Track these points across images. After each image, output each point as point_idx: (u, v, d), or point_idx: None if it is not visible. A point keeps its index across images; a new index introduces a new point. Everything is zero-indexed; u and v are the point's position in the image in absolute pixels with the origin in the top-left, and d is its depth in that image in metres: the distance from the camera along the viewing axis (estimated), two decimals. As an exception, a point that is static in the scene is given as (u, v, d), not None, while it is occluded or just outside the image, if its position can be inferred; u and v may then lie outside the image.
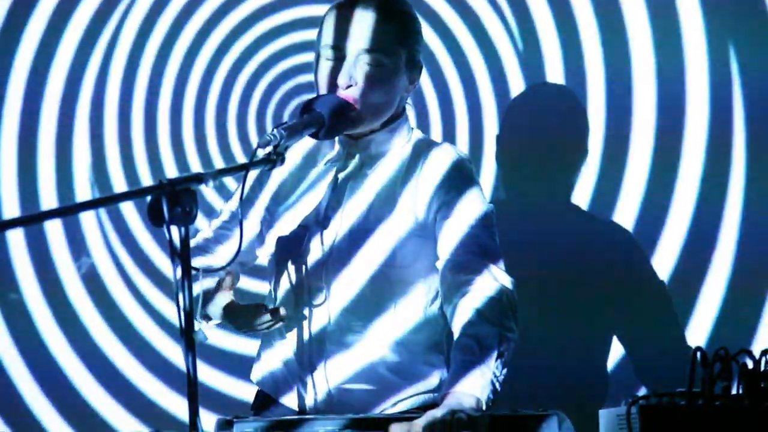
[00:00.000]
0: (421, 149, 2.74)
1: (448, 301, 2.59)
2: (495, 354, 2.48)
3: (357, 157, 2.75)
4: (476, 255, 2.60)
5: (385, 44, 2.66)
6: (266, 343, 2.80)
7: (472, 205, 2.65)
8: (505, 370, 2.50)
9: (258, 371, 2.81)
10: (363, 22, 2.67)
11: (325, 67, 2.68)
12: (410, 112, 2.83)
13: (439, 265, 2.63)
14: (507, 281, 2.58)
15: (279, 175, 2.82)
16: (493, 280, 2.57)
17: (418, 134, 2.80)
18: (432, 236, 2.66)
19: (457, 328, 2.54)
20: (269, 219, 2.80)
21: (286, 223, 2.77)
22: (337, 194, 2.74)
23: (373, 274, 2.66)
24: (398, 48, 2.68)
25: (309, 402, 2.70)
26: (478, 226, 2.63)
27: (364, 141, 2.74)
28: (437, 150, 2.73)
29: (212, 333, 2.80)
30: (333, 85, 2.66)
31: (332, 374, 2.68)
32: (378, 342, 2.67)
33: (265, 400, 2.80)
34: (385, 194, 2.71)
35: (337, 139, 2.77)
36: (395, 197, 2.70)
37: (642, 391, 3.34)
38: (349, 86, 2.65)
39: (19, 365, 3.84)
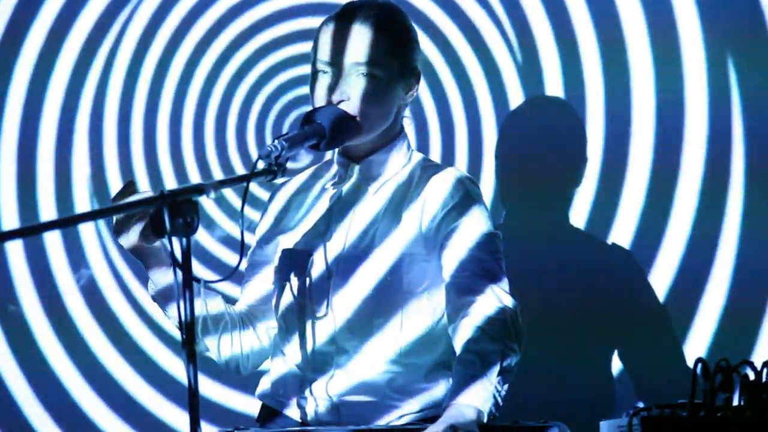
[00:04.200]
0: (427, 171, 2.74)
1: (452, 321, 2.60)
2: (497, 369, 2.49)
3: (357, 176, 2.75)
4: (480, 277, 2.60)
5: (377, 57, 2.67)
6: (273, 356, 2.80)
7: (478, 229, 2.66)
8: (506, 386, 2.51)
9: (263, 385, 2.81)
10: (356, 37, 2.67)
11: (320, 82, 2.69)
12: (409, 128, 2.83)
13: (445, 287, 2.64)
14: (510, 302, 2.59)
15: (278, 204, 2.84)
16: (497, 300, 2.57)
17: (419, 155, 2.80)
18: (437, 259, 2.66)
19: (459, 345, 2.55)
20: (274, 247, 2.80)
21: (290, 240, 2.78)
22: (341, 209, 2.74)
23: (378, 296, 2.66)
24: (391, 59, 2.69)
25: (312, 414, 2.70)
26: (483, 249, 2.64)
27: (363, 161, 2.74)
28: (444, 173, 2.73)
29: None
30: (327, 101, 2.66)
31: (335, 387, 2.68)
32: (381, 359, 2.67)
33: (270, 412, 2.80)
34: (390, 213, 2.71)
35: (335, 160, 2.78)
36: (400, 216, 2.70)
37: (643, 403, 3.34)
38: (342, 101, 2.65)
39: (17, 377, 3.84)
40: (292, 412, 2.74)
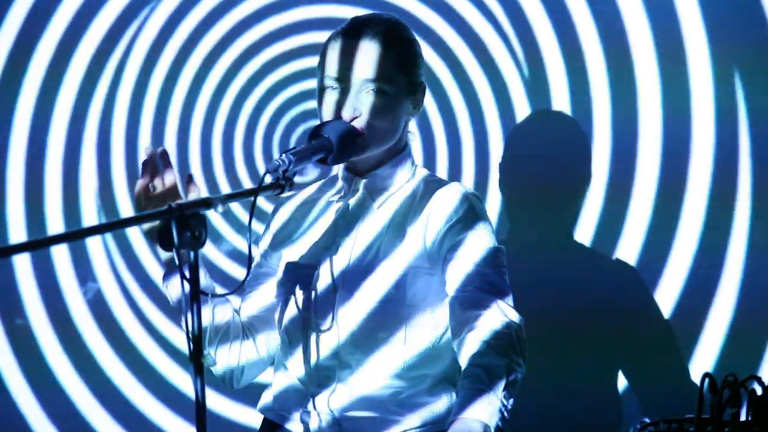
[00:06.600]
0: (431, 186, 2.74)
1: (457, 336, 2.59)
2: (503, 384, 2.48)
3: (362, 190, 2.75)
4: (485, 291, 2.60)
5: (388, 72, 2.67)
6: (276, 370, 2.80)
7: (482, 244, 2.66)
8: (512, 401, 2.50)
9: (264, 398, 2.81)
10: (365, 53, 2.68)
11: (329, 98, 2.69)
12: (415, 142, 2.83)
13: (449, 301, 2.64)
14: (515, 317, 2.58)
15: (282, 216, 2.85)
16: (502, 315, 2.57)
17: (423, 171, 2.80)
18: (441, 273, 2.67)
19: (465, 359, 2.54)
20: (277, 260, 2.80)
21: (294, 253, 2.78)
22: (346, 223, 2.75)
23: (383, 310, 2.66)
24: (400, 74, 2.70)
25: (313, 428, 2.70)
26: (488, 264, 2.64)
27: (369, 176, 2.75)
28: (448, 188, 2.73)
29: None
30: (338, 117, 2.67)
31: (338, 401, 2.68)
32: (384, 373, 2.67)
33: (272, 426, 2.79)
34: (395, 227, 2.71)
35: (340, 175, 2.78)
36: (404, 231, 2.70)
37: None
38: (355, 118, 2.66)
39: (24, 390, 3.84)
40: (294, 426, 2.74)
